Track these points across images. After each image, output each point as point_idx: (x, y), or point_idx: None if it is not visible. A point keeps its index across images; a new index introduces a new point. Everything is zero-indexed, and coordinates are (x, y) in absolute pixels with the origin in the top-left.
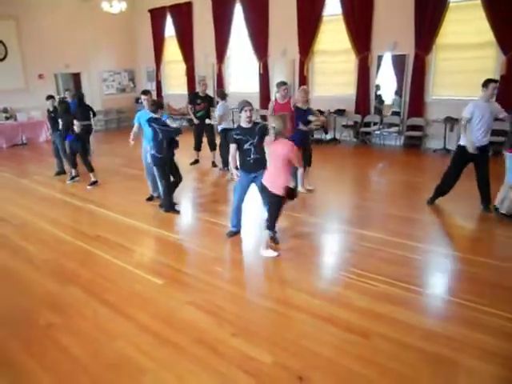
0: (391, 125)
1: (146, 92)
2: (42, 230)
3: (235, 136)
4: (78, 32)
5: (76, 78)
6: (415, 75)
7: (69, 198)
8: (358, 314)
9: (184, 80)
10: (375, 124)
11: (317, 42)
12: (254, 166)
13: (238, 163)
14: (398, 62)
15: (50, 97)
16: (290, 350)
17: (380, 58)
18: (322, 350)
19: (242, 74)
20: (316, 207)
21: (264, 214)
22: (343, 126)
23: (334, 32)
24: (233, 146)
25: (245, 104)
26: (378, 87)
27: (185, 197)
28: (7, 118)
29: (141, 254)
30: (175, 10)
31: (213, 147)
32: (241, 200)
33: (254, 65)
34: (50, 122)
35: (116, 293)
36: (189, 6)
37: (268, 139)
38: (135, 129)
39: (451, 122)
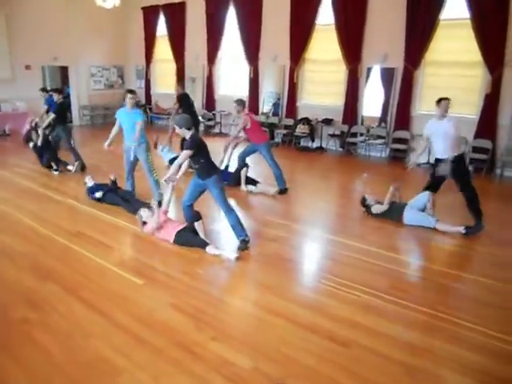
0: (378, 137)
1: (132, 91)
2: (21, 223)
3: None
4: (68, 25)
5: (64, 71)
6: (403, 89)
7: (50, 191)
8: (339, 324)
9: (173, 80)
10: (361, 135)
11: (308, 50)
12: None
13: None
14: (387, 75)
15: (57, 90)
16: (269, 356)
17: (369, 70)
18: (302, 358)
19: (232, 77)
20: (298, 214)
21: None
22: (330, 135)
23: (325, 41)
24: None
25: None
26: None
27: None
28: None
29: (121, 253)
30: (168, 8)
31: None
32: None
33: (244, 68)
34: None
35: (94, 291)
36: (182, 5)
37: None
38: (116, 128)
39: None
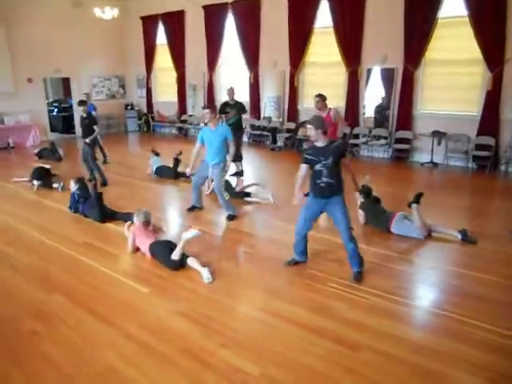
0: (380, 137)
1: (209, 107)
2: (27, 235)
3: (306, 155)
4: (69, 37)
5: (65, 82)
6: (404, 89)
7: (56, 203)
8: (347, 326)
9: (174, 88)
10: (364, 136)
11: (307, 54)
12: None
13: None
14: (387, 76)
15: (83, 102)
16: (277, 361)
17: (369, 71)
18: (310, 362)
19: (232, 83)
20: None
21: None
22: None
23: (324, 45)
24: (304, 167)
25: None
26: (364, 107)
27: (172, 206)
28: None
29: (127, 262)
30: (167, 17)
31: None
32: (306, 228)
33: (244, 74)
34: (82, 129)
35: (101, 301)
36: (181, 14)
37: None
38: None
39: (438, 135)
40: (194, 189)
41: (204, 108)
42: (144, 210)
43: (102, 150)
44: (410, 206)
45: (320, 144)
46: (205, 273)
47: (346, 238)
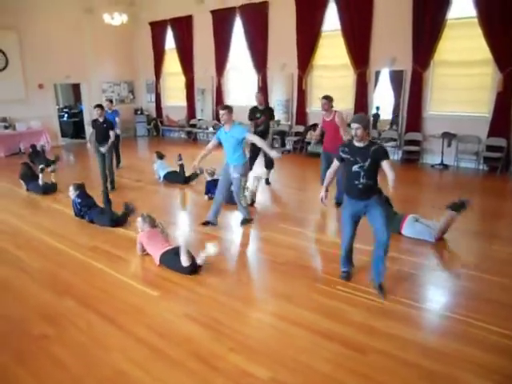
0: (389, 139)
1: (226, 107)
2: (37, 239)
3: (342, 153)
4: (78, 43)
5: (75, 88)
6: (413, 91)
7: (66, 208)
8: (355, 329)
9: (183, 92)
10: (373, 139)
11: (315, 56)
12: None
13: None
14: (396, 78)
15: (98, 106)
16: (288, 365)
17: (378, 73)
18: (320, 366)
19: (241, 86)
20: (312, 221)
21: None
22: None
23: (332, 47)
24: (335, 165)
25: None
26: (377, 108)
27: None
28: (6, 128)
29: (136, 265)
30: (176, 22)
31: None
32: (349, 237)
33: (253, 78)
34: (98, 134)
35: (111, 304)
36: (189, 19)
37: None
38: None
39: (449, 137)
40: (215, 203)
41: (221, 109)
42: (148, 214)
43: (117, 153)
44: (453, 209)
45: (360, 144)
46: (209, 246)
47: (385, 237)
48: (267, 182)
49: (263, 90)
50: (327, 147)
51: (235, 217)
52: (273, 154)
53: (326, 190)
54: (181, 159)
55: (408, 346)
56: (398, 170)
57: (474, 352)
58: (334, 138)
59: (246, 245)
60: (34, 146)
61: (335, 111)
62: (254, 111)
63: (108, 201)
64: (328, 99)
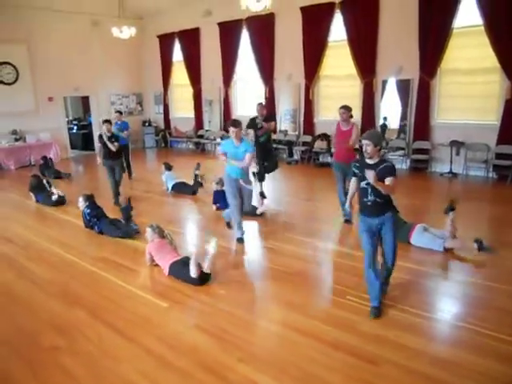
0: (397, 148)
1: (235, 123)
2: (47, 251)
3: (354, 169)
4: (87, 56)
5: (85, 100)
6: (420, 99)
7: (75, 219)
8: (365, 339)
9: (191, 103)
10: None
11: (322, 67)
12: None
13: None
14: (403, 87)
15: (107, 121)
16: (295, 376)
17: (385, 82)
18: (329, 377)
19: (248, 97)
20: (320, 231)
21: None
22: None
23: (339, 57)
24: (353, 180)
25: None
26: (385, 119)
27: (191, 221)
28: (16, 140)
29: (145, 276)
30: (183, 35)
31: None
32: (370, 255)
33: (260, 88)
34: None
35: (120, 315)
36: (196, 31)
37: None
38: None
39: (457, 145)
40: (235, 215)
41: (232, 126)
42: (157, 225)
43: (129, 165)
44: (446, 212)
45: (370, 161)
46: (209, 247)
47: (390, 263)
48: (262, 195)
49: (270, 100)
50: (341, 157)
51: (245, 227)
52: (247, 183)
53: (350, 203)
54: (198, 168)
55: (418, 357)
56: (407, 178)
57: (485, 362)
58: (349, 148)
59: (255, 255)
60: (44, 158)
61: (353, 123)
62: (254, 121)
63: (128, 218)
64: (347, 109)
